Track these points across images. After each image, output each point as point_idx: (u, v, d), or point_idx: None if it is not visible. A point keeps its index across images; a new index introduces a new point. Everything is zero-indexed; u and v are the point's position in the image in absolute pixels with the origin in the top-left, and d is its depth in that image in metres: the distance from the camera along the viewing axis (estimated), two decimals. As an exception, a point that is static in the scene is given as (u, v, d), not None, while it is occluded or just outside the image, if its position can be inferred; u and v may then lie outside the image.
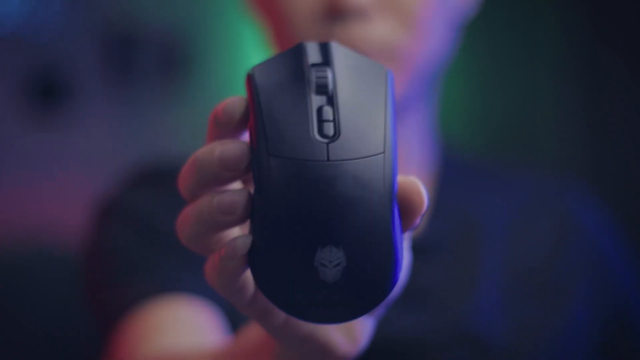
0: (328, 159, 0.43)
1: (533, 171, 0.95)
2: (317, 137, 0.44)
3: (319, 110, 0.44)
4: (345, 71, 0.46)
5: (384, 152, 0.44)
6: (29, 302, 1.34)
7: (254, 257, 0.44)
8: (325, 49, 0.47)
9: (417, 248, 0.81)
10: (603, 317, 0.86)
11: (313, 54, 0.46)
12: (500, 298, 0.82)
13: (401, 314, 0.79)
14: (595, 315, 0.86)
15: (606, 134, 2.21)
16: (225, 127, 0.45)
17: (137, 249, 0.80)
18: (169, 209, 0.80)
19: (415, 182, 0.45)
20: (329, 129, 0.44)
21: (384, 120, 0.45)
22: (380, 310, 0.51)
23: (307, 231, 0.43)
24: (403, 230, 0.45)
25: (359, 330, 0.50)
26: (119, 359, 0.73)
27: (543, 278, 0.85)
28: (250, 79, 0.45)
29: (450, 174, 0.88)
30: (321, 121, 0.44)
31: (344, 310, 0.44)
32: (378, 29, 0.77)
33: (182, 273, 0.78)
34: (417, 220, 0.45)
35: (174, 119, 2.22)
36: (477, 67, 2.32)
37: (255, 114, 0.44)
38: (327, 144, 0.44)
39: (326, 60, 0.46)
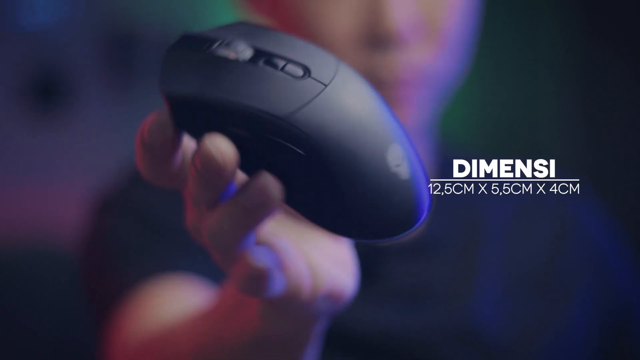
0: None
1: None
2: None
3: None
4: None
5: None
6: (28, 302, 1.34)
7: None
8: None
9: (419, 246, 0.82)
10: (603, 317, 0.86)
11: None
12: (501, 297, 0.83)
13: (402, 312, 0.79)
14: (595, 314, 0.86)
15: (606, 134, 2.21)
16: (152, 150, 0.44)
17: (134, 235, 0.81)
18: (164, 201, 0.81)
19: None
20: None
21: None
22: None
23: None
24: None
25: (350, 261, 0.49)
26: (118, 338, 0.73)
27: (543, 277, 0.85)
28: None
29: (450, 173, 0.88)
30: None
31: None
32: (416, 55, 0.77)
33: (180, 255, 0.78)
34: None
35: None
36: (477, 67, 2.32)
37: None
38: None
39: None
